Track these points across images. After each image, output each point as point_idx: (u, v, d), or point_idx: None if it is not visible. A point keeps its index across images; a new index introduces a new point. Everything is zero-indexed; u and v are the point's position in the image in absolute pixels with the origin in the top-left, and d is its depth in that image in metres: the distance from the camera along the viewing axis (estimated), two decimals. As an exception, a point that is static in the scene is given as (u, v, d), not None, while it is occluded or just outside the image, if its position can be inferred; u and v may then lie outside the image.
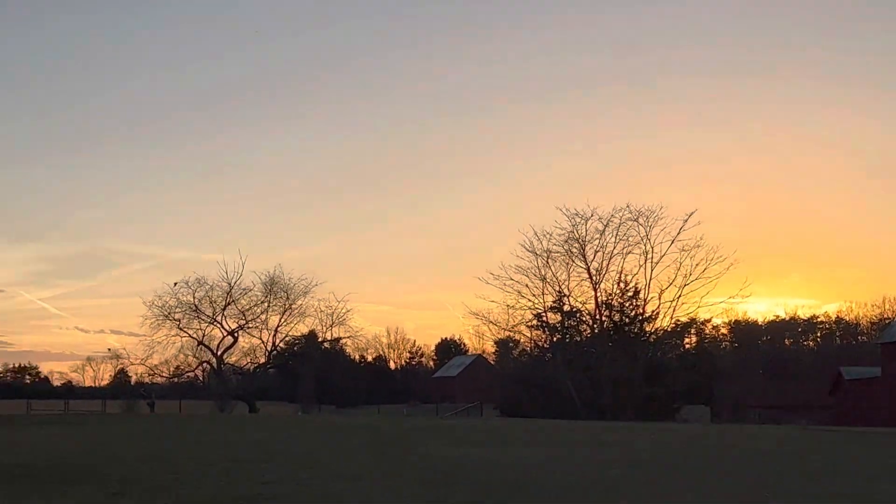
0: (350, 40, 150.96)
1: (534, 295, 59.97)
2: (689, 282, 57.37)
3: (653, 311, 59.53)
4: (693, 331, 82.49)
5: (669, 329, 62.11)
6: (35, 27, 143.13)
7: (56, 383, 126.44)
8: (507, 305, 60.82)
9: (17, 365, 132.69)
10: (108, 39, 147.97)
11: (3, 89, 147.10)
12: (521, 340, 71.48)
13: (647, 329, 60.62)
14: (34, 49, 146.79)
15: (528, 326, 63.82)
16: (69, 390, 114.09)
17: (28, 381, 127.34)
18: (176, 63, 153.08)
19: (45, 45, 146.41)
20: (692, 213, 57.72)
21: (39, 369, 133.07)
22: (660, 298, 58.62)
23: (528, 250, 59.49)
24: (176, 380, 79.59)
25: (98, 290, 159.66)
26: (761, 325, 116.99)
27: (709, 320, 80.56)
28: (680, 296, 57.97)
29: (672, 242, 57.74)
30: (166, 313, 70.79)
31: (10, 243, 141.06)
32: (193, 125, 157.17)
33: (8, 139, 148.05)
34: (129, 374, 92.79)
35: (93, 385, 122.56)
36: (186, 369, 76.14)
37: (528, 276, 59.60)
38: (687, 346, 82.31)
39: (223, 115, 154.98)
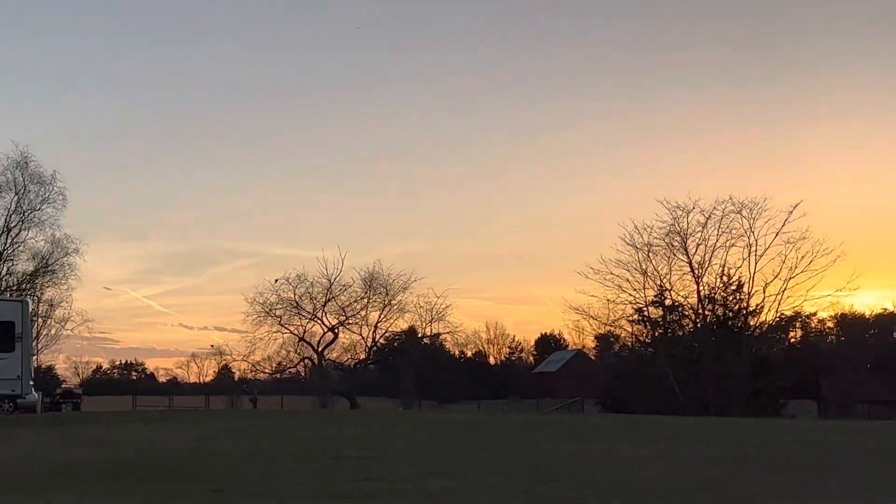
0: (441, 34, 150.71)
1: (634, 289, 59.45)
2: (794, 275, 56.40)
3: (757, 305, 58.71)
4: (798, 325, 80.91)
5: (774, 323, 61.05)
6: (140, 31, 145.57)
7: (161, 379, 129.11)
8: (608, 300, 60.40)
9: (123, 361, 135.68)
10: (211, 38, 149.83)
11: (109, 91, 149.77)
12: (622, 335, 70.82)
13: (752, 323, 59.67)
14: (142, 53, 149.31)
15: (628, 321, 63.27)
16: (174, 386, 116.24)
17: (134, 378, 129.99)
18: (271, 62, 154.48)
19: (151, 48, 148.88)
20: (797, 205, 56.64)
21: (145, 366, 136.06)
22: (764, 292, 57.74)
23: (628, 244, 58.98)
24: (278, 375, 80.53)
25: (202, 288, 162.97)
26: (868, 319, 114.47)
27: (814, 314, 78.89)
28: (785, 289, 57.05)
29: (776, 235, 56.74)
30: (267, 310, 71.67)
31: (117, 242, 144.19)
32: (292, 123, 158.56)
33: (115, 141, 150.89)
34: (233, 371, 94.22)
35: (197, 381, 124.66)
36: (288, 365, 77.00)
37: (628, 270, 59.09)
38: (792, 340, 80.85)
39: (320, 113, 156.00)
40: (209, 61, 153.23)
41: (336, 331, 73.79)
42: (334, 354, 76.28)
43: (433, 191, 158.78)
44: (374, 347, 77.10)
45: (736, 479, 14.79)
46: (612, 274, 58.93)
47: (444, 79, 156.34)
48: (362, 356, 76.59)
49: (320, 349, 73.91)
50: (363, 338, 75.11)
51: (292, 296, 72.22)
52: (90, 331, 67.90)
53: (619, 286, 59.13)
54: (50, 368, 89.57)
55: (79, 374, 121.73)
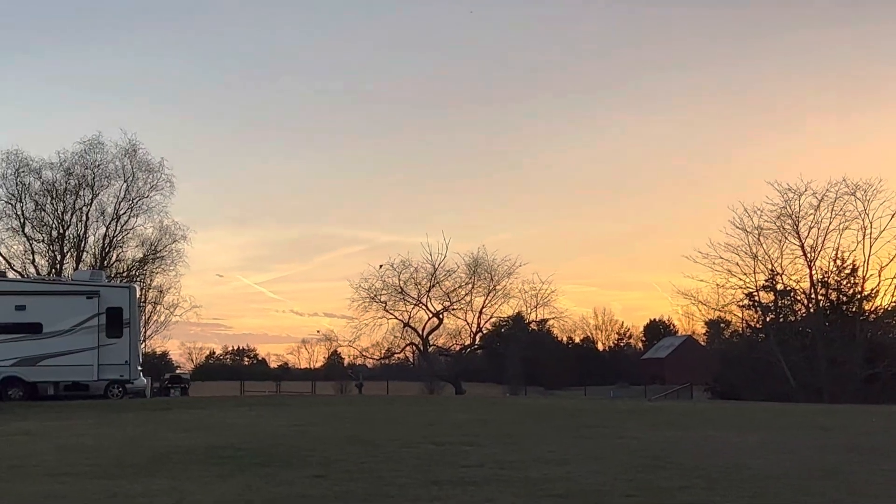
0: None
1: (745, 274, 58.38)
2: (911, 258, 54.98)
3: (872, 290, 57.29)
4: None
5: (890, 307, 59.52)
6: (248, 13, 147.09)
7: (272, 365, 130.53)
8: (717, 285, 59.50)
9: (236, 347, 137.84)
10: (327, 21, 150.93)
11: (218, 76, 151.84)
12: (733, 321, 69.76)
13: (867, 308, 58.33)
14: (251, 36, 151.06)
15: (739, 306, 62.29)
16: (285, 372, 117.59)
17: (246, 363, 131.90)
18: (381, 58, 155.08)
19: (260, 30, 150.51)
20: (914, 185, 55.12)
21: (257, 351, 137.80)
22: (880, 276, 56.35)
23: (737, 227, 57.89)
24: (386, 361, 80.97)
25: (312, 274, 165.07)
26: None
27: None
28: (902, 272, 55.64)
29: (892, 216, 55.22)
30: (372, 295, 71.92)
31: (229, 230, 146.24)
32: (400, 111, 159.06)
33: (224, 128, 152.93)
34: (342, 357, 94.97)
35: (307, 367, 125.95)
36: (394, 351, 77.36)
37: (738, 255, 58.03)
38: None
39: (427, 103, 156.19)
40: (321, 46, 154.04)
41: (441, 316, 73.80)
42: (441, 340, 76.36)
43: (538, 177, 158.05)
44: (480, 333, 77.02)
45: (849, 468, 14.33)
46: (721, 258, 58.06)
47: (555, 68, 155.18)
48: (468, 342, 76.59)
49: (425, 335, 74.05)
50: (468, 323, 74.99)
51: (397, 281, 72.50)
52: (198, 316, 69.05)
53: (729, 270, 58.26)
54: (164, 354, 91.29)
55: (192, 360, 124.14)
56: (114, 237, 65.18)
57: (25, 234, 63.45)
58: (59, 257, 63.80)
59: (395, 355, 79.15)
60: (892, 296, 57.38)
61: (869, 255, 56.18)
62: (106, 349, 35.11)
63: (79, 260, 63.75)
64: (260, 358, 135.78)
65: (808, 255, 57.10)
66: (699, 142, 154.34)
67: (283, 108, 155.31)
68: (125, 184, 64.41)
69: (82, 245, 64.51)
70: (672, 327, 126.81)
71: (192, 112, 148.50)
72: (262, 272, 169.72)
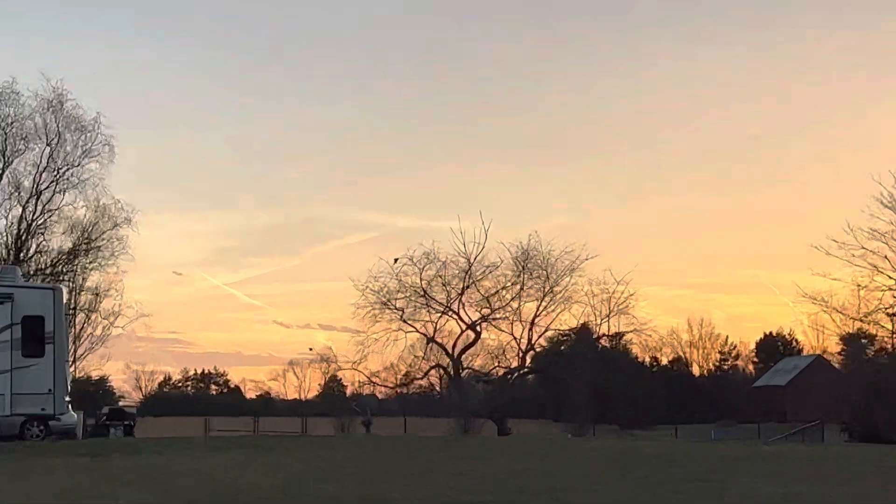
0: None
1: (895, 270, 58.30)
2: None
3: None
4: None
5: None
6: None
7: (250, 395, 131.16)
8: (857, 285, 59.40)
9: (199, 371, 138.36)
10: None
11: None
12: (879, 335, 69.74)
13: None
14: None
15: (888, 315, 62.15)
16: (266, 404, 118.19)
17: (215, 392, 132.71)
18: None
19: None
20: None
21: (228, 377, 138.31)
22: None
23: (886, 206, 57.74)
24: (404, 390, 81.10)
25: (303, 272, 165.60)
26: None
27: None
28: None
29: None
30: (385, 300, 71.84)
31: (190, 212, 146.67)
32: (417, 58, 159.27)
33: (183, 80, 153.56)
34: (344, 384, 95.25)
35: (297, 398, 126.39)
36: (415, 376, 77.31)
37: (886, 243, 57.92)
38: None
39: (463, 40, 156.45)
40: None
41: (478, 329, 73.88)
42: (478, 362, 76.50)
43: (609, 141, 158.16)
44: (532, 351, 77.02)
45: None
46: (863, 249, 57.90)
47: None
48: (515, 363, 76.56)
49: (457, 354, 73.99)
50: (516, 339, 74.97)
51: (418, 281, 72.49)
52: (149, 329, 68.06)
53: (874, 266, 58.15)
54: (102, 380, 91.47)
55: (141, 388, 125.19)
56: (32, 221, 64.84)
57: None
58: (-44, 249, 63.95)
59: (416, 382, 79.48)
60: None
61: None
62: (21, 373, 35.14)
63: (-16, 252, 63.83)
64: (232, 385, 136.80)
65: None
66: (830, 101, 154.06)
67: (261, 46, 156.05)
68: (48, 147, 63.86)
69: (-11, 232, 64.53)
70: (795, 344, 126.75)
71: (139, 56, 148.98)
72: (235, 269, 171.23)
